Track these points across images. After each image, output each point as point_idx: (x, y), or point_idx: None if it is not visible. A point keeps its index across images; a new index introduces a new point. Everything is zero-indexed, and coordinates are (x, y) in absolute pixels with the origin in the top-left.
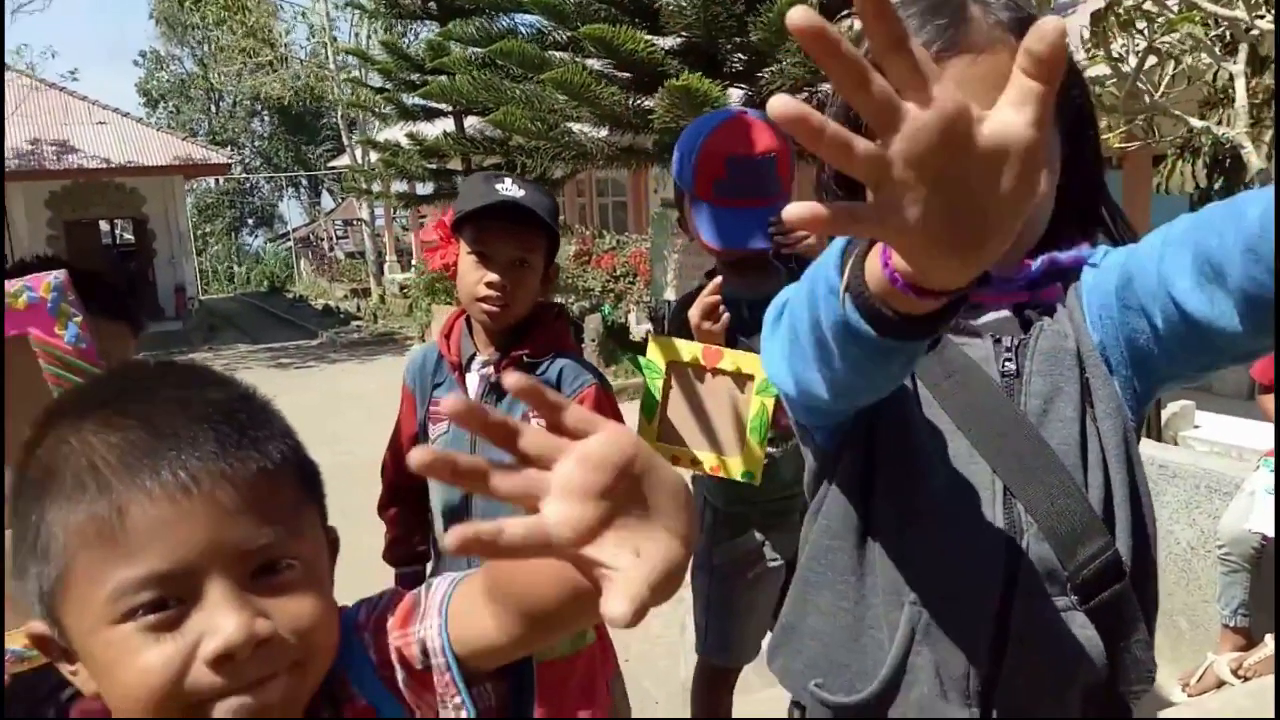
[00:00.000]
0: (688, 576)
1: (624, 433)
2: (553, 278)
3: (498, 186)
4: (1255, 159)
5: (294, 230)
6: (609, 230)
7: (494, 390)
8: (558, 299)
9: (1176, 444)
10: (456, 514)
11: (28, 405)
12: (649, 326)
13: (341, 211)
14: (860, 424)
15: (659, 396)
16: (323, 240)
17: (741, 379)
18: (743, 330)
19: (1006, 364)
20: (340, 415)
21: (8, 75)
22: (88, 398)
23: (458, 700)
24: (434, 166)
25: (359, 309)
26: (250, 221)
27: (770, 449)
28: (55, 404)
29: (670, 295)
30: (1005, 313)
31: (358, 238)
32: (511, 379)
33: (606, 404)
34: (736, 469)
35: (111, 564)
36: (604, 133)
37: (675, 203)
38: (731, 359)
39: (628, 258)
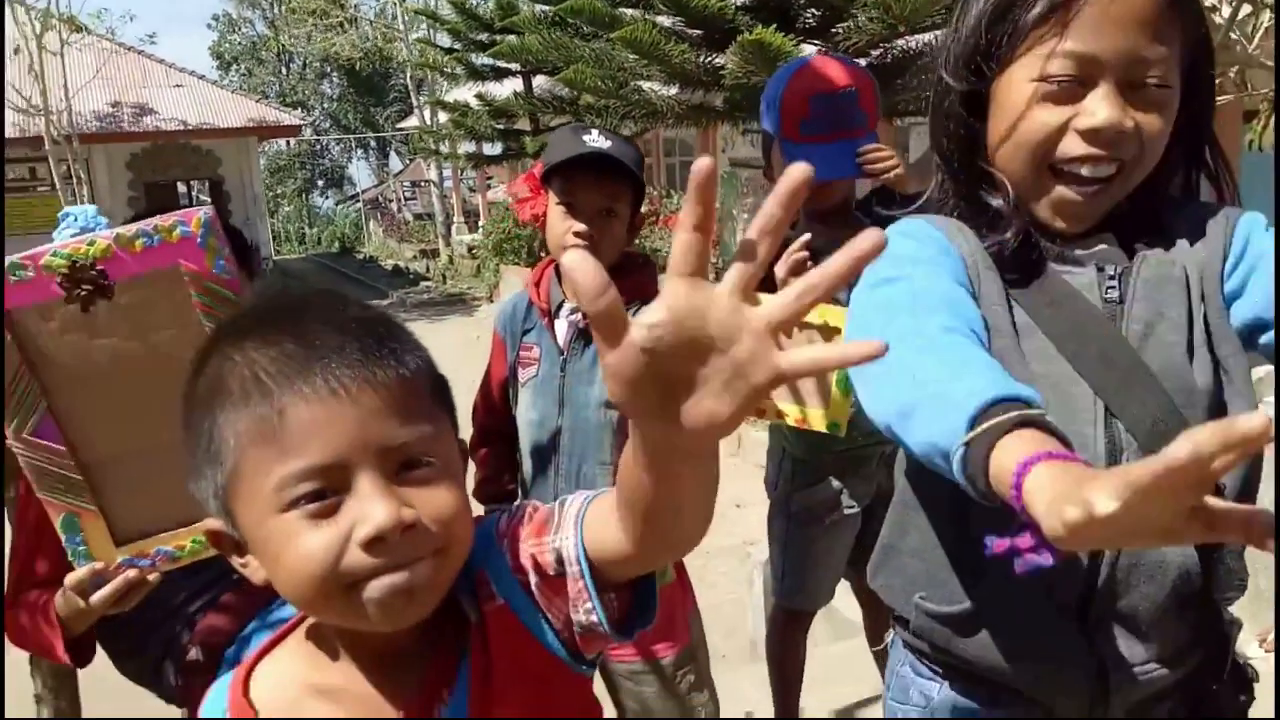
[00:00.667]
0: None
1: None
2: (639, 227)
3: (585, 138)
4: None
5: (363, 192)
6: (676, 190)
7: (581, 336)
8: None
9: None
10: (544, 454)
11: (179, 332)
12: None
13: (409, 173)
14: None
15: None
16: (391, 202)
17: (828, 332)
18: None
19: (1110, 291)
20: None
21: (88, 39)
22: (246, 321)
23: (588, 605)
24: (502, 127)
25: (428, 270)
26: (320, 183)
27: (852, 398)
28: (217, 329)
29: None
30: (1104, 247)
31: (426, 199)
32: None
33: None
34: (822, 421)
35: (275, 460)
36: (674, 91)
37: (763, 153)
38: (819, 312)
39: None
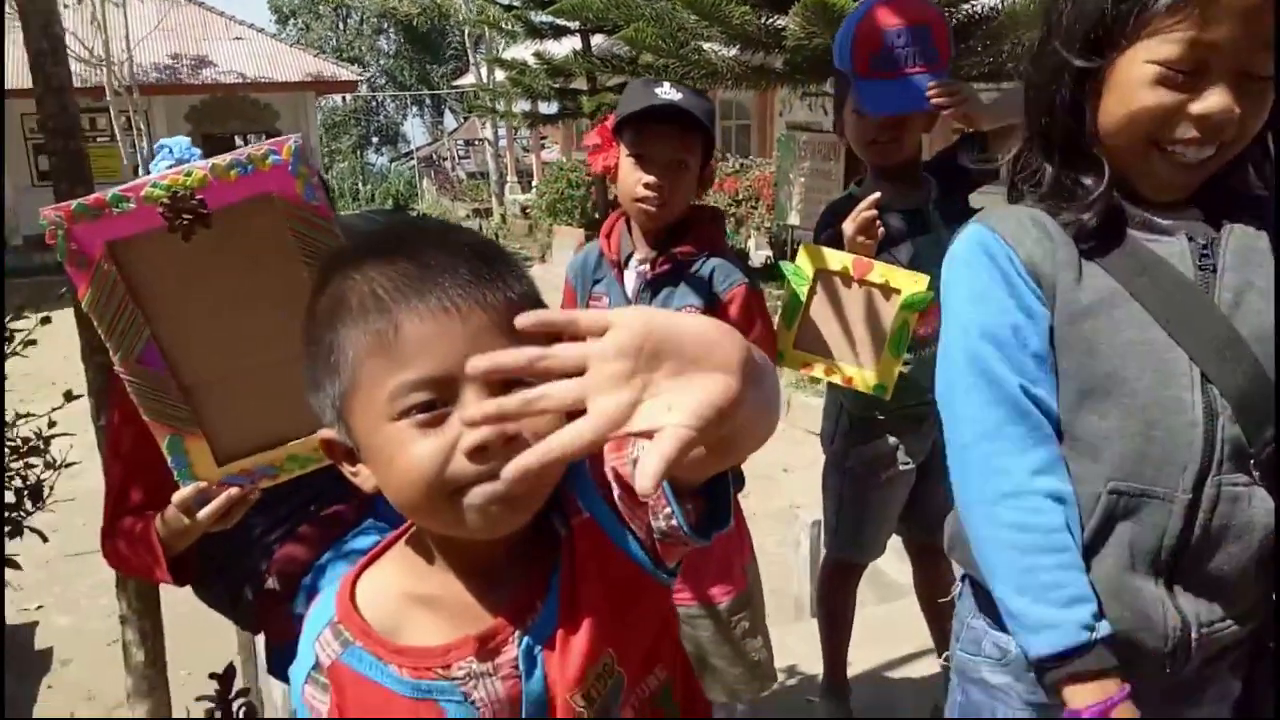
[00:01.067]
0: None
1: (629, 317)
2: (708, 179)
3: (657, 91)
4: None
5: (417, 149)
6: (732, 153)
7: (650, 286)
8: None
9: None
10: None
11: (273, 257)
12: (768, 253)
13: (463, 131)
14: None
15: (802, 303)
16: (445, 160)
17: (888, 292)
18: (889, 240)
19: (1203, 259)
20: None
21: None
22: (364, 244)
23: (668, 510)
24: (559, 86)
25: (480, 229)
26: (375, 140)
27: (908, 354)
28: (336, 252)
29: (794, 220)
30: (1194, 218)
31: (479, 158)
32: (520, 319)
33: (755, 302)
34: (869, 381)
35: (389, 371)
36: (733, 52)
37: (835, 107)
38: (881, 272)
39: (751, 182)
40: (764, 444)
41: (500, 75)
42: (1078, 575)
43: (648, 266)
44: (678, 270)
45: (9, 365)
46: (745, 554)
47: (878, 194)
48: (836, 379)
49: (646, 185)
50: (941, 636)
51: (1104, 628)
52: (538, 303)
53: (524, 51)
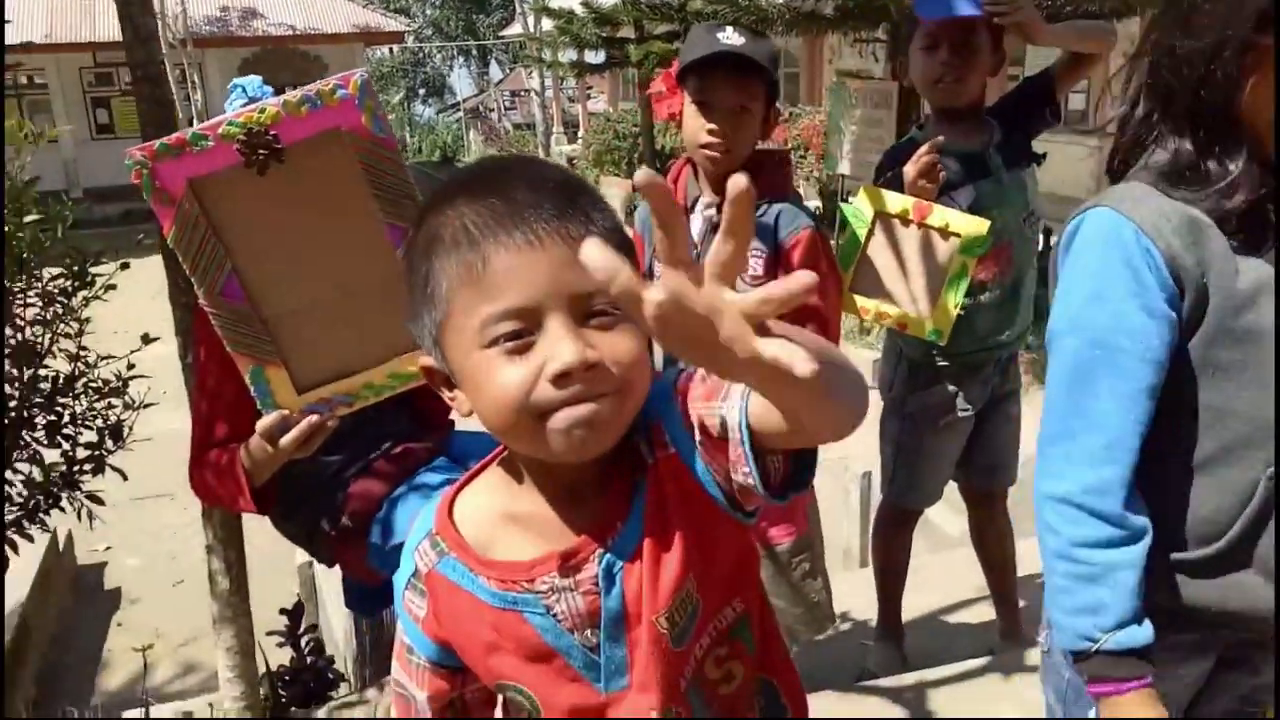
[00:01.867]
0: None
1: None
2: (773, 124)
3: (719, 36)
4: None
5: (464, 101)
6: (780, 102)
7: (714, 230)
8: None
9: None
10: (674, 359)
11: (344, 189)
12: (817, 202)
13: (509, 83)
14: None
15: (859, 246)
16: (491, 111)
17: (947, 235)
18: (949, 184)
19: None
20: None
21: None
22: (458, 180)
23: (745, 470)
24: (606, 34)
25: None
26: (422, 92)
27: (966, 299)
28: (434, 192)
29: (845, 169)
30: None
31: (525, 109)
32: (639, 176)
33: (821, 247)
34: (925, 327)
35: (479, 301)
36: None
37: (894, 38)
38: (941, 215)
39: (799, 131)
40: (850, 425)
41: (547, 24)
42: (1091, 588)
43: (714, 210)
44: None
45: (90, 309)
46: (809, 497)
47: (940, 138)
48: (891, 323)
49: (710, 132)
50: (996, 581)
51: (1121, 639)
52: (620, 234)
53: (571, 0)
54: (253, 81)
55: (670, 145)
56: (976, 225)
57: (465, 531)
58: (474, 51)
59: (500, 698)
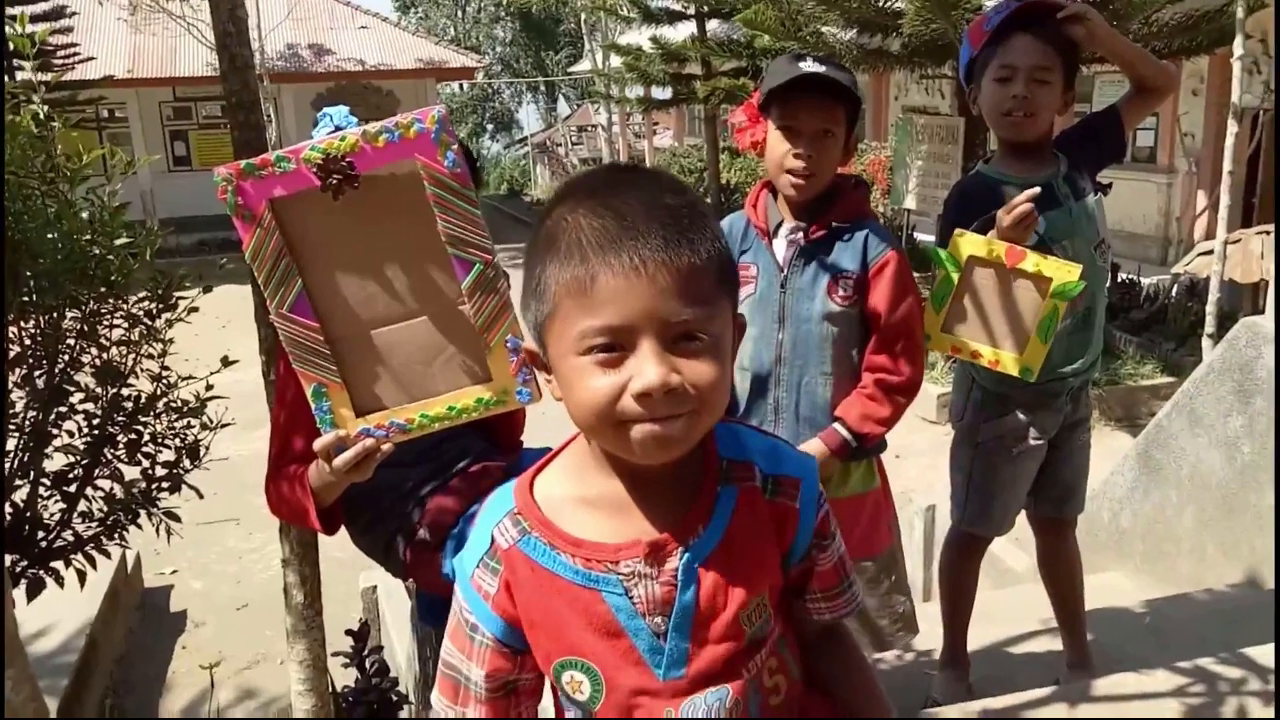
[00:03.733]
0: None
1: None
2: (853, 149)
3: (801, 65)
4: None
5: (531, 136)
6: None
7: (803, 254)
8: None
9: None
10: (763, 368)
11: (414, 219)
12: None
13: (577, 118)
14: None
15: (952, 288)
16: (558, 146)
17: (1039, 280)
18: None
19: None
20: None
21: None
22: (584, 187)
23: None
24: (673, 71)
25: None
26: (490, 127)
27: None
28: (563, 187)
29: (910, 204)
30: None
31: (592, 144)
32: None
33: (905, 270)
34: (1015, 365)
35: (581, 313)
36: (851, 35)
37: (962, 74)
38: (1034, 261)
39: (865, 166)
40: None
41: (615, 61)
42: None
43: (801, 235)
44: (832, 238)
45: (174, 331)
46: (890, 511)
47: (1037, 189)
48: (983, 361)
49: (795, 156)
50: (1063, 611)
51: None
52: (725, 263)
53: (639, 37)
54: (340, 111)
55: (735, 180)
56: (1069, 271)
57: (546, 509)
58: (542, 87)
59: (551, 686)
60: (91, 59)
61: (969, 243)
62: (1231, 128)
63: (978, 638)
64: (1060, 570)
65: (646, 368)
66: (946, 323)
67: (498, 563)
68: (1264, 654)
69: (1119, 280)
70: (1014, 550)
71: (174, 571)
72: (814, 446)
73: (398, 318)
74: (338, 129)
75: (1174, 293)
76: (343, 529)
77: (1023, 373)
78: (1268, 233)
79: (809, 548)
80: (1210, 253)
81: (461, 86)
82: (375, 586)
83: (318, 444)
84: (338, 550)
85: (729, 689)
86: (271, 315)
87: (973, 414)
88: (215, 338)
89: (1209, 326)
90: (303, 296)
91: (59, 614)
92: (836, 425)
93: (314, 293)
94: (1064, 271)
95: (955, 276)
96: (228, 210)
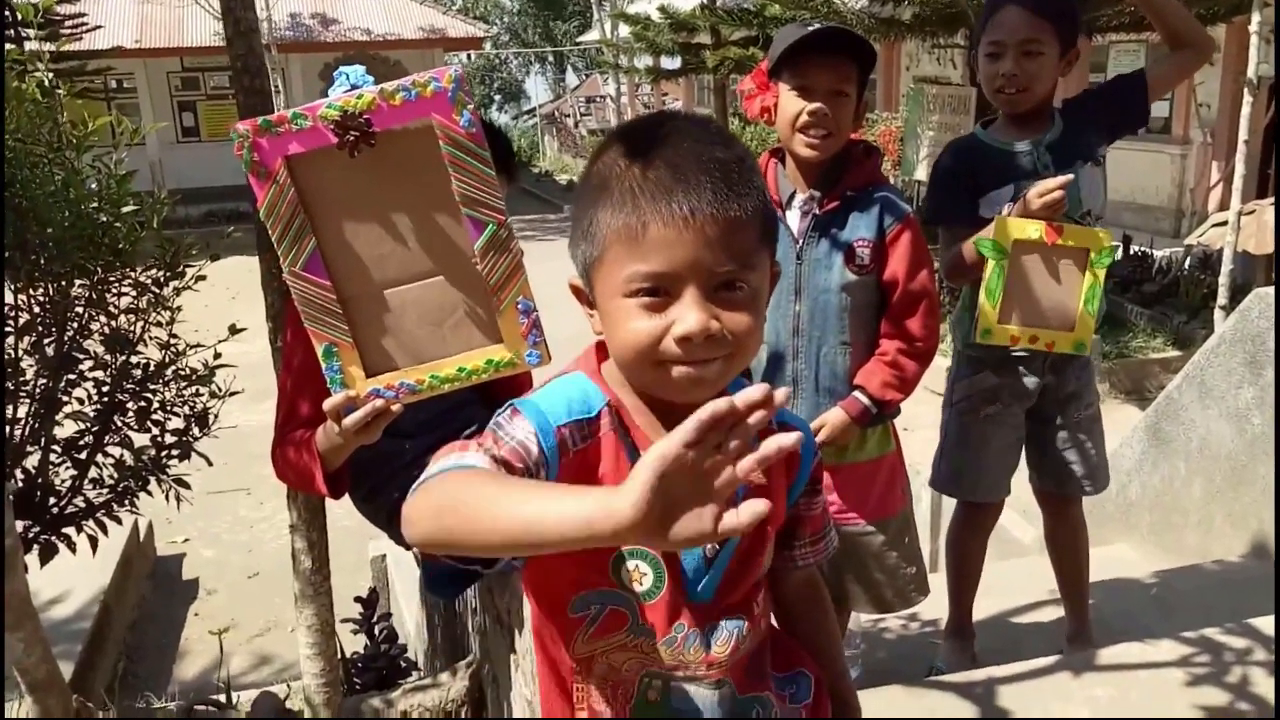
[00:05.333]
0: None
1: None
2: (863, 113)
3: (809, 28)
4: None
5: (539, 107)
6: None
7: (818, 225)
8: None
9: None
10: (780, 339)
11: (429, 179)
12: None
13: (585, 89)
14: None
15: (1003, 277)
16: (567, 117)
17: (1077, 252)
18: (997, 180)
19: None
20: None
21: None
22: (638, 134)
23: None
24: (682, 40)
25: None
26: (498, 98)
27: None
28: (616, 131)
29: (921, 174)
30: None
31: (601, 115)
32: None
33: (921, 236)
34: (1070, 342)
35: (630, 258)
36: (862, 3)
37: (970, 43)
38: (1070, 234)
39: (876, 136)
40: None
41: (624, 30)
42: None
43: (816, 205)
44: (846, 207)
45: (183, 301)
46: (904, 475)
47: (1070, 176)
48: (1040, 346)
49: (811, 113)
50: (1066, 587)
51: None
52: (768, 216)
53: (648, 6)
54: (357, 70)
55: (757, 147)
56: (1099, 239)
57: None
58: (550, 58)
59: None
60: (99, 28)
61: (1014, 226)
62: (1247, 98)
63: (984, 608)
64: (1064, 547)
65: (689, 314)
66: (1004, 314)
67: (590, 437)
68: (1268, 624)
69: (1130, 252)
70: (1021, 522)
71: (186, 540)
72: (835, 415)
73: (410, 278)
74: (354, 87)
75: (1187, 265)
76: (346, 496)
77: (1077, 348)
78: None
79: (804, 492)
80: (1224, 224)
81: (469, 56)
82: (384, 555)
83: (327, 404)
84: (346, 518)
85: (744, 620)
86: (284, 273)
87: (951, 376)
88: (225, 308)
89: (1221, 298)
90: (316, 255)
91: (73, 581)
92: (857, 393)
93: (327, 251)
94: (1097, 240)
95: (1004, 265)
96: (243, 167)
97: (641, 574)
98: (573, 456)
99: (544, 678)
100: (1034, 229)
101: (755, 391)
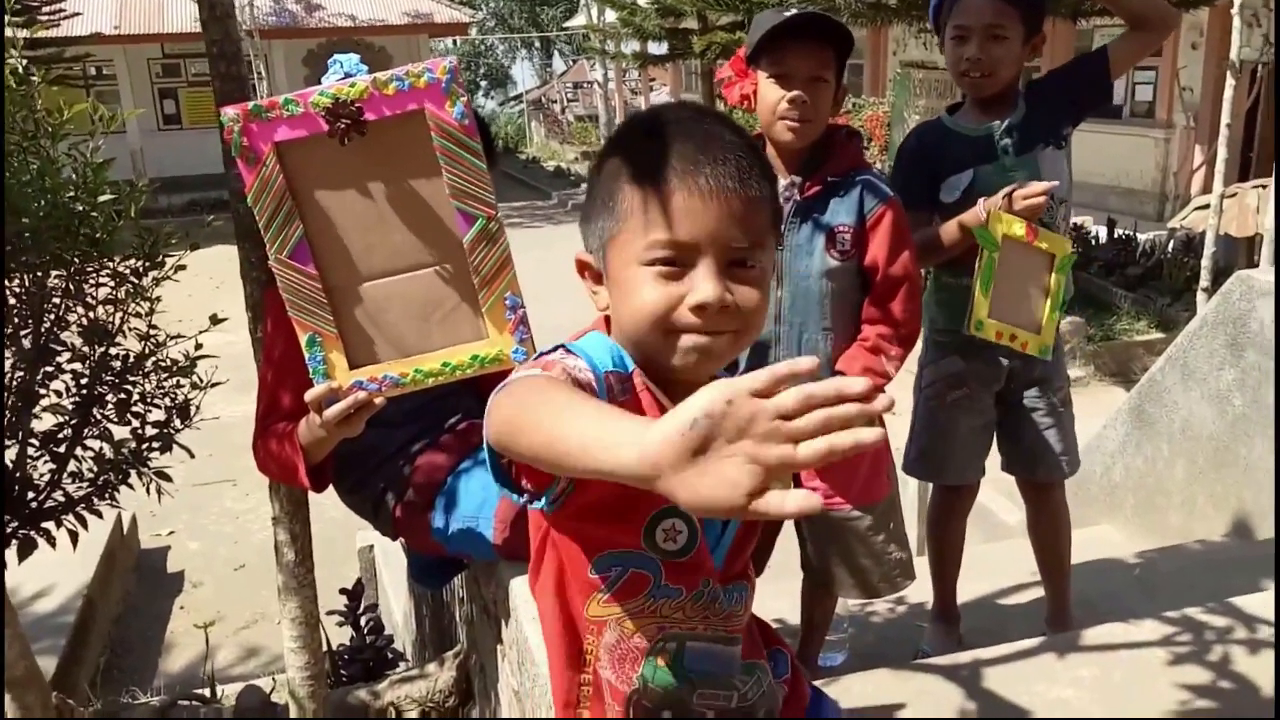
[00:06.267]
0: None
1: None
2: (842, 99)
3: (786, 14)
4: None
5: (526, 93)
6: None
7: (799, 211)
8: None
9: None
10: (763, 341)
11: (419, 169)
12: None
13: (572, 74)
14: None
15: (995, 269)
16: (554, 103)
17: (1047, 255)
18: (954, 167)
19: None
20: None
21: None
22: (663, 118)
23: None
24: (669, 25)
25: (589, 172)
26: (484, 84)
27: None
28: (635, 117)
29: None
30: None
31: (588, 100)
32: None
33: (902, 221)
34: (1037, 345)
35: (653, 226)
36: None
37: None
38: (1044, 237)
39: (863, 121)
40: None
41: (611, 16)
42: None
43: (797, 191)
44: (826, 193)
45: (161, 290)
46: (889, 460)
47: (1056, 182)
48: (1016, 345)
49: (790, 101)
50: (1045, 572)
51: None
52: (776, 201)
53: None
54: (351, 59)
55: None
56: (1062, 244)
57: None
58: (537, 43)
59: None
60: (78, 15)
61: (1004, 221)
62: (1230, 81)
63: (969, 591)
64: (1043, 532)
65: (706, 284)
66: (993, 308)
67: (627, 393)
68: (1250, 603)
69: (1115, 236)
70: (1006, 504)
71: (171, 533)
72: None
73: (397, 270)
74: (347, 75)
75: (1170, 248)
76: (331, 488)
77: (1042, 351)
78: (1264, 187)
79: None
80: (1206, 207)
81: (454, 42)
82: (372, 545)
83: (309, 395)
84: (334, 509)
85: (747, 586)
86: (270, 260)
87: (920, 359)
88: (209, 298)
89: (1204, 281)
90: (303, 243)
91: (56, 576)
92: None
93: (314, 240)
94: (1063, 246)
95: (996, 257)
96: (233, 151)
97: (677, 531)
98: (617, 405)
99: (555, 637)
100: (1019, 226)
101: (857, 385)
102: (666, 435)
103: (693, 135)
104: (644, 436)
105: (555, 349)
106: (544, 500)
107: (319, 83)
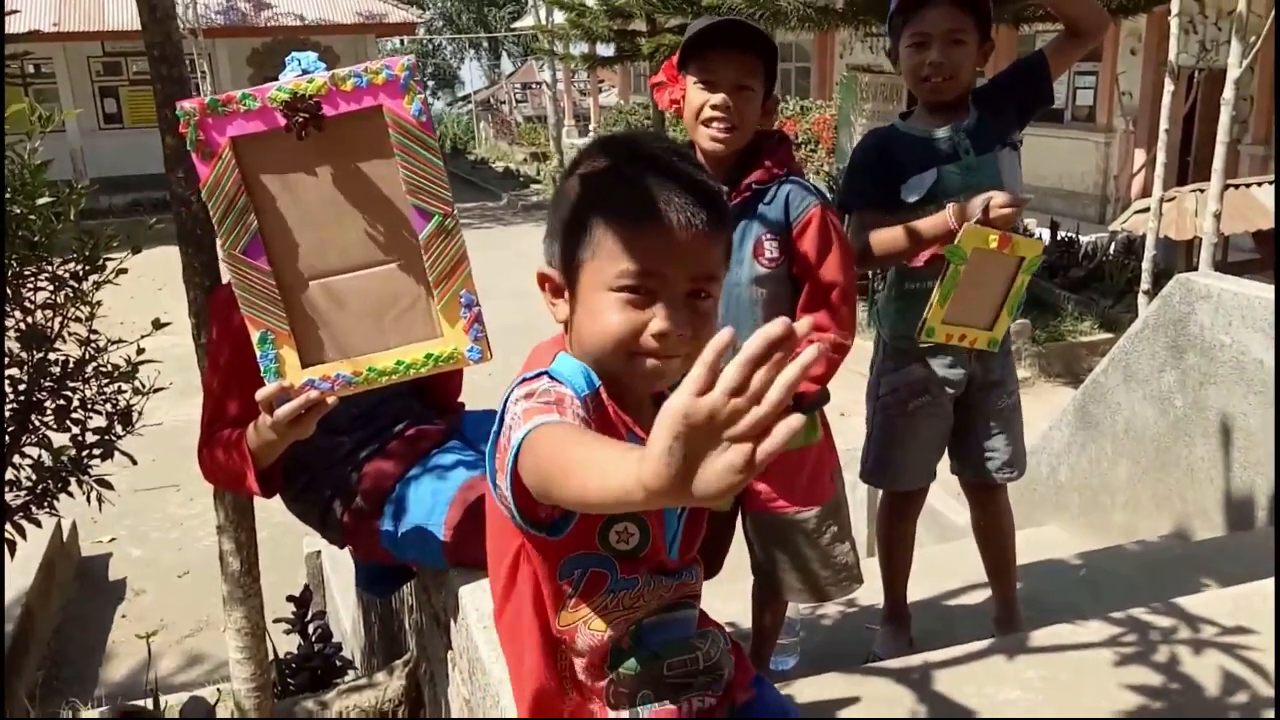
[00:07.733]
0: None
1: None
2: (771, 109)
3: (714, 20)
4: None
5: (474, 93)
6: (791, 96)
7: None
8: None
9: None
10: None
11: (376, 166)
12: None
13: (521, 75)
14: None
15: (957, 282)
16: (503, 104)
17: (1015, 259)
18: (918, 166)
19: None
20: (524, 272)
21: None
22: (635, 147)
23: None
24: (618, 27)
25: (538, 173)
26: (432, 84)
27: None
28: (604, 143)
29: None
30: None
31: (536, 101)
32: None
33: (831, 223)
34: (987, 340)
35: (624, 255)
36: None
37: (893, 44)
38: (1015, 242)
39: (810, 125)
40: None
41: (559, 17)
42: None
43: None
44: (754, 200)
45: (103, 293)
46: (833, 463)
47: (1029, 196)
48: (966, 343)
49: (714, 106)
50: (991, 574)
51: None
52: (729, 240)
53: None
54: (309, 56)
55: (681, 138)
56: (1035, 246)
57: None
58: (485, 44)
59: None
60: (15, 12)
61: (974, 235)
62: (1168, 86)
63: (920, 592)
64: (988, 535)
65: (669, 315)
66: (949, 314)
67: (599, 409)
68: (1193, 603)
69: (1057, 238)
70: (956, 505)
71: (112, 539)
72: None
73: (351, 267)
74: (305, 72)
75: (1111, 250)
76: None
77: (991, 345)
78: (1202, 191)
79: None
80: (1147, 210)
81: (402, 42)
82: (319, 552)
83: (260, 394)
84: (281, 514)
85: (696, 566)
86: (223, 256)
87: (877, 367)
88: (151, 300)
89: (1145, 283)
90: (257, 239)
91: None
92: None
93: (269, 236)
94: (1032, 247)
95: (960, 270)
96: (188, 145)
97: (630, 534)
98: (590, 421)
99: (532, 646)
100: (992, 238)
101: (776, 327)
102: (657, 472)
103: (665, 172)
104: (643, 480)
105: (540, 375)
106: (553, 528)
107: (265, 81)
